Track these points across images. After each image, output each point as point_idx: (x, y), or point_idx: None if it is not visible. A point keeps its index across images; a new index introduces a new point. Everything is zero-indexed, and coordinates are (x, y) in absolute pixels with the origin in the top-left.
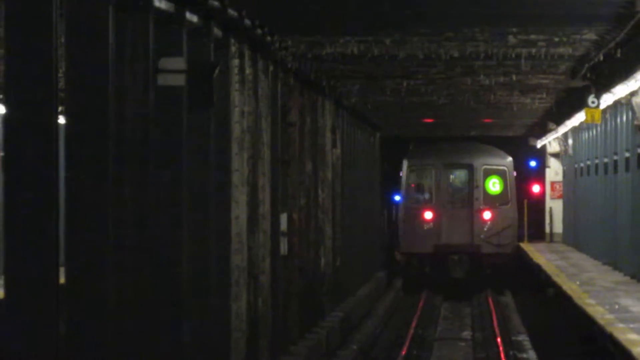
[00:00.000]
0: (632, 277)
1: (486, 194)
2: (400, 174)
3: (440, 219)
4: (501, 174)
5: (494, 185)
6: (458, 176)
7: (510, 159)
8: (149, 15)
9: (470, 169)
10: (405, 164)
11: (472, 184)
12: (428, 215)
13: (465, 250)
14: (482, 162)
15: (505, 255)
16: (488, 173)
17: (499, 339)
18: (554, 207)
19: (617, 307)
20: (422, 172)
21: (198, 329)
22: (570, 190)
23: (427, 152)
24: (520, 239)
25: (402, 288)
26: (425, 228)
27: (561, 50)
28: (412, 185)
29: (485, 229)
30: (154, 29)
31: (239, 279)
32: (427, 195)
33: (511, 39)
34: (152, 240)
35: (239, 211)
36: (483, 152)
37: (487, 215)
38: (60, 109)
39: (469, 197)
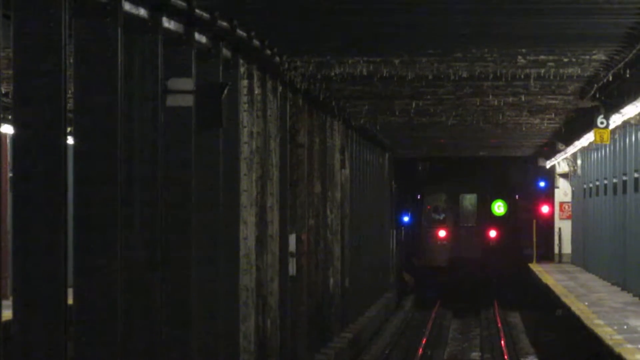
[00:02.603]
0: None
1: (492, 215)
2: (418, 197)
3: (453, 236)
4: (505, 198)
5: (499, 208)
6: (468, 200)
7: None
8: (157, 36)
9: (478, 194)
10: (422, 189)
11: (480, 207)
12: (442, 233)
13: (475, 263)
14: (489, 188)
15: (508, 267)
16: (494, 197)
17: None
18: (563, 227)
19: (625, 327)
20: (437, 196)
21: (206, 350)
22: (579, 210)
23: (441, 179)
24: (529, 259)
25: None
26: (440, 244)
27: (570, 70)
28: (428, 207)
29: (491, 245)
30: (162, 49)
31: (248, 300)
32: (441, 216)
33: (520, 60)
34: (161, 260)
35: (248, 232)
36: (489, 179)
37: (493, 233)
38: (68, 129)
39: (477, 217)
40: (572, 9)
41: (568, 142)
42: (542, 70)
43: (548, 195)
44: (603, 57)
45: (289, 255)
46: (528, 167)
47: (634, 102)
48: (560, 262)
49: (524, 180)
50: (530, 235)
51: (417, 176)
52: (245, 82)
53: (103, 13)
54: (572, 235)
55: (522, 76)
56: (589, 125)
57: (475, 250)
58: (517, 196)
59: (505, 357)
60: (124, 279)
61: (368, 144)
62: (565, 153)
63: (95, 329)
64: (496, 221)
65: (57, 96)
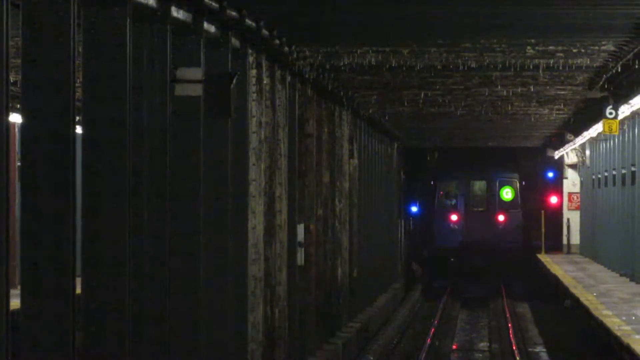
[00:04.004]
0: None
1: (500, 200)
2: (432, 183)
3: (464, 220)
4: (512, 185)
5: (507, 194)
6: (478, 186)
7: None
8: (166, 25)
9: (488, 181)
10: (435, 176)
11: (490, 193)
12: (454, 217)
13: (484, 245)
14: (497, 175)
15: (514, 249)
16: (502, 184)
17: (515, 351)
18: (572, 218)
19: (634, 318)
20: (450, 183)
21: (215, 340)
22: (588, 201)
23: (453, 167)
24: (538, 250)
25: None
26: (452, 227)
27: (579, 61)
28: (441, 193)
29: (499, 228)
30: (171, 39)
31: (256, 290)
32: (453, 202)
33: (529, 50)
34: (170, 250)
35: (256, 221)
36: (498, 167)
37: (501, 217)
38: (77, 118)
39: (487, 203)
40: (582, 0)
41: (577, 133)
42: (551, 61)
43: (556, 185)
44: (612, 48)
45: (298, 245)
46: (536, 156)
47: None
48: (568, 252)
49: (532, 169)
50: (538, 226)
51: (429, 165)
52: (254, 72)
53: (112, 2)
54: (580, 226)
55: (531, 66)
56: (598, 116)
57: (485, 233)
58: (523, 182)
59: (514, 347)
60: (133, 269)
61: (377, 134)
62: (574, 144)
63: (103, 318)
64: (504, 206)
65: (66, 85)
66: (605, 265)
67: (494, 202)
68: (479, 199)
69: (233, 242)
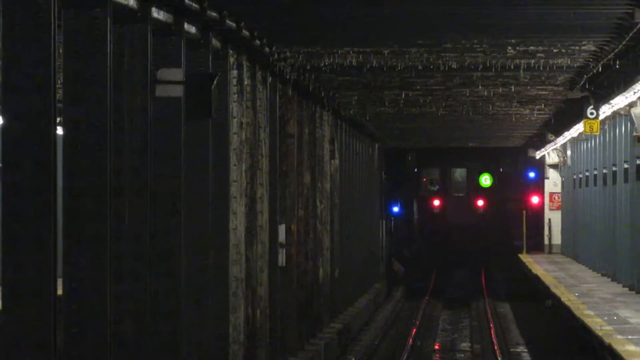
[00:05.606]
0: (631, 288)
1: (479, 186)
2: (415, 171)
3: (446, 204)
4: (490, 172)
5: (485, 180)
6: (459, 173)
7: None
8: (147, 26)
9: (468, 168)
10: (419, 165)
11: (470, 179)
12: (437, 202)
13: (465, 227)
14: (477, 163)
15: (493, 230)
16: (481, 171)
17: (497, 351)
18: (553, 218)
19: (615, 318)
20: (433, 170)
21: (196, 341)
22: (569, 201)
23: (436, 156)
24: (519, 250)
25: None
26: (436, 211)
27: (560, 61)
28: (425, 180)
29: (479, 212)
30: (152, 39)
31: (237, 290)
32: (436, 187)
33: (510, 50)
34: (151, 251)
35: (237, 222)
36: (477, 156)
37: (480, 202)
38: (58, 119)
39: (467, 188)
40: (562, 0)
41: (558, 133)
42: (532, 61)
43: (538, 185)
44: (593, 48)
45: (279, 245)
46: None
47: (624, 93)
48: (550, 252)
49: (512, 168)
50: (520, 225)
51: (409, 164)
52: (234, 73)
53: (92, 3)
54: (562, 226)
55: (512, 67)
56: (579, 116)
57: (465, 216)
58: (501, 170)
59: (495, 347)
60: (114, 269)
61: (357, 134)
62: (555, 144)
63: (84, 319)
64: (483, 191)
65: (47, 86)
66: (586, 265)
67: (473, 188)
68: (460, 184)
69: (214, 243)
